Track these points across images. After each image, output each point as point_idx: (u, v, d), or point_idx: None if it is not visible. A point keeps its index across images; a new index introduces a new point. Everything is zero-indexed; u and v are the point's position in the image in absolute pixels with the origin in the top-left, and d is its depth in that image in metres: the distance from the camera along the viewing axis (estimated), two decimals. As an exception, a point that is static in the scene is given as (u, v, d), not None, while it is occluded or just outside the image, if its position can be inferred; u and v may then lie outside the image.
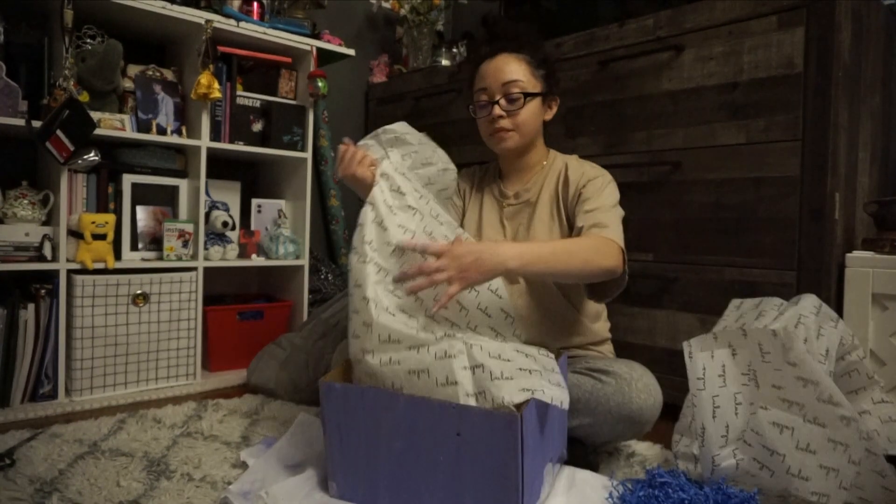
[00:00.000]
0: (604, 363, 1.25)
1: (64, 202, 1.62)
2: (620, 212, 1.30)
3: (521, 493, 0.91)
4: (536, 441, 0.97)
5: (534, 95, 1.33)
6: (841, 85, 1.35)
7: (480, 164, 1.54)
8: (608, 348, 1.43)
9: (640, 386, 1.18)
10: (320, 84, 1.97)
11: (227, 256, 1.92)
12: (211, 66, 1.77)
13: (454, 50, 2.35)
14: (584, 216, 1.26)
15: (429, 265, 1.05)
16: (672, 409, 1.60)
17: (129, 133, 1.73)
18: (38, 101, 1.61)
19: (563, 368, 1.14)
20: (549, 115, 1.40)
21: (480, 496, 0.94)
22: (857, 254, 1.38)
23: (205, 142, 1.83)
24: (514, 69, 1.32)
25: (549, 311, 1.34)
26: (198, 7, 1.80)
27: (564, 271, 1.13)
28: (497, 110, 1.32)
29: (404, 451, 0.99)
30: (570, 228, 1.32)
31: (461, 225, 1.45)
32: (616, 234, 1.21)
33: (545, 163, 1.42)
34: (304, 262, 2.05)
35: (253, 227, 2.08)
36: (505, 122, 1.33)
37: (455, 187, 1.42)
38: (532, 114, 1.34)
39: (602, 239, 1.18)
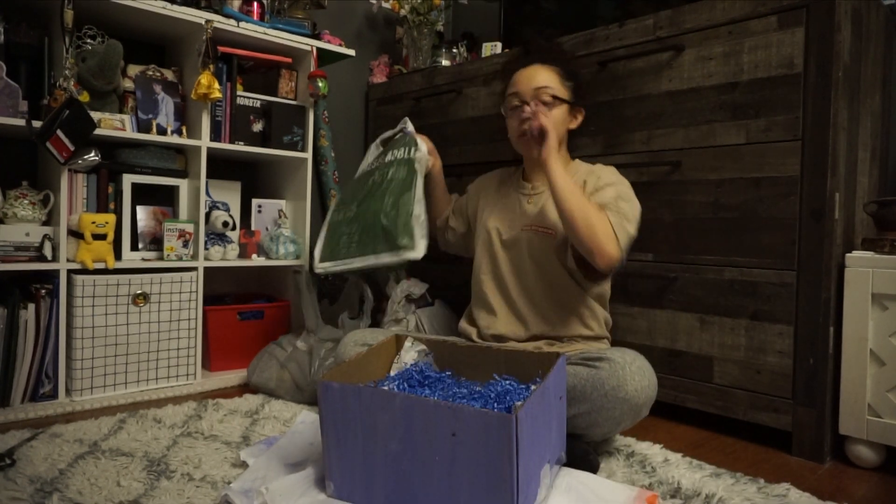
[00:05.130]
0: (597, 353, 1.27)
1: (64, 202, 1.62)
2: (635, 207, 1.40)
3: (516, 494, 0.91)
4: (532, 442, 0.96)
5: (562, 101, 1.46)
6: (841, 85, 1.35)
7: (484, 164, 1.55)
8: (606, 346, 1.44)
9: (633, 368, 1.20)
10: (320, 84, 1.97)
11: (227, 256, 1.92)
12: (211, 66, 1.77)
13: (454, 50, 2.35)
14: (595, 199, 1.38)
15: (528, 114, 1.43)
16: (673, 409, 1.60)
17: (129, 133, 1.73)
18: (39, 101, 1.61)
19: (561, 369, 1.14)
20: (575, 125, 1.52)
21: (475, 497, 0.93)
22: (857, 254, 1.38)
23: (205, 142, 1.83)
24: (544, 77, 1.47)
25: (558, 288, 1.44)
26: (198, 7, 1.79)
27: (570, 216, 1.30)
28: (527, 110, 1.44)
29: (400, 451, 0.98)
30: None
31: (476, 213, 1.64)
32: (621, 224, 1.33)
33: (568, 168, 1.50)
34: (304, 262, 2.06)
35: (253, 227, 2.08)
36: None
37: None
38: (559, 118, 1.46)
39: (607, 224, 1.31)
